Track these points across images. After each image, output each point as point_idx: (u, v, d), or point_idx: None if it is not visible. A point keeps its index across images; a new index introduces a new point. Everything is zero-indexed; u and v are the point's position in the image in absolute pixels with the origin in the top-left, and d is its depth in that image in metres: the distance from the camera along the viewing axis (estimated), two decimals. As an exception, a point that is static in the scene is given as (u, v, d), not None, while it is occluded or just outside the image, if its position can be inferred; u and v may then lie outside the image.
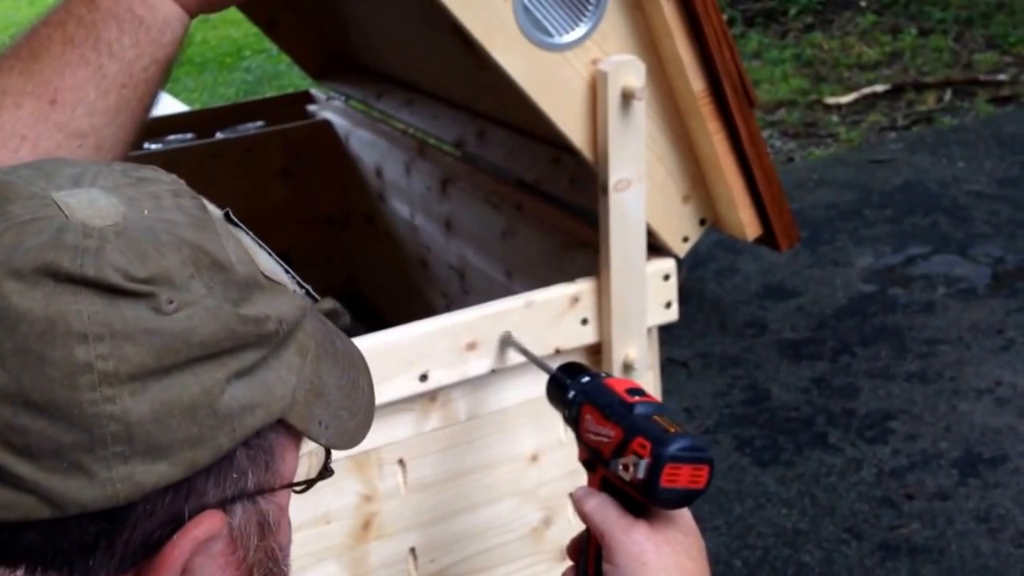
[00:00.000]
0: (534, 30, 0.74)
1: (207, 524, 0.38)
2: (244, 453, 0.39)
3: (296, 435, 0.42)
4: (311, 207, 1.65)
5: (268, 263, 0.42)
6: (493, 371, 0.81)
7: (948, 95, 3.97)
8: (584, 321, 0.84)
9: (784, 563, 1.70)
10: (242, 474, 0.39)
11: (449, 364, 0.79)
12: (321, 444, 0.43)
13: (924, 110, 3.87)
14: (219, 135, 1.66)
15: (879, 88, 4.08)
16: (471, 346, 0.80)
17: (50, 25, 0.57)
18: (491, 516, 0.84)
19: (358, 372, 0.46)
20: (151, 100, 0.60)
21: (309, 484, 0.44)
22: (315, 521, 0.77)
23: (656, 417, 0.60)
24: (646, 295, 0.85)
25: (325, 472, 0.46)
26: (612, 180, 0.79)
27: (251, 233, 0.43)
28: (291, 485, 0.42)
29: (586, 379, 0.66)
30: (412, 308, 1.41)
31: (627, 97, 0.76)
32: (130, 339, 0.35)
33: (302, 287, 0.44)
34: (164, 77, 0.60)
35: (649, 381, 0.89)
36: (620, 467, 0.58)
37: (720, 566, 1.71)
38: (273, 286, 0.41)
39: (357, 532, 0.79)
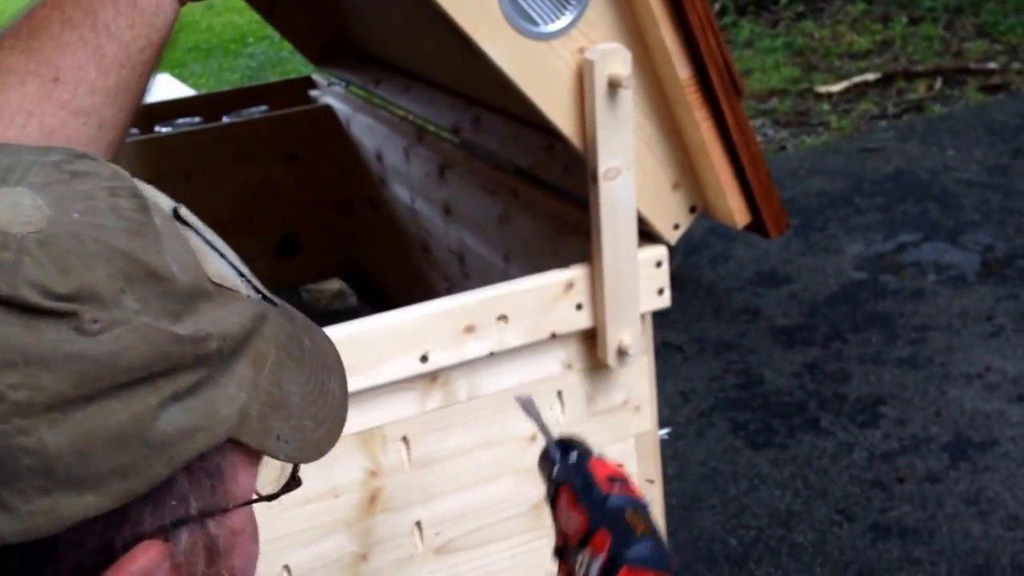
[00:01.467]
0: (519, 19, 0.75)
1: (143, 559, 0.35)
2: (185, 478, 0.36)
3: (252, 452, 0.39)
4: (316, 190, 1.68)
5: (219, 267, 0.38)
6: (491, 354, 0.83)
7: (938, 84, 3.99)
8: (579, 306, 0.86)
9: (778, 543, 1.73)
10: (182, 500, 0.36)
11: (448, 346, 0.80)
12: (280, 460, 0.39)
13: (914, 98, 3.89)
14: (225, 119, 1.68)
15: (870, 77, 4.10)
16: (470, 329, 0.81)
17: (47, 6, 0.58)
18: (493, 493, 0.87)
19: (328, 373, 0.43)
20: (146, 83, 0.61)
21: (272, 498, 0.41)
22: (324, 495, 0.79)
23: (628, 512, 0.55)
24: (639, 282, 0.86)
25: (292, 483, 0.43)
26: (602, 168, 0.80)
27: (204, 233, 0.39)
28: (250, 502, 0.39)
29: (574, 457, 0.61)
30: (415, 289, 1.43)
31: (614, 86, 0.76)
32: (46, 366, 0.32)
33: (259, 291, 0.40)
34: (158, 61, 0.61)
35: (644, 366, 0.91)
36: (577, 562, 0.53)
37: (716, 543, 1.74)
38: (222, 293, 0.37)
39: (364, 505, 0.81)
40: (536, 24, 0.76)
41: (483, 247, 1.20)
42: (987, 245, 2.66)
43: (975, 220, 2.81)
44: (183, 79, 4.21)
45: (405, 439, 0.82)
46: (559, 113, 0.79)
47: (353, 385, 0.76)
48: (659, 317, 0.91)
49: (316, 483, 0.79)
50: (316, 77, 1.76)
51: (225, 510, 0.38)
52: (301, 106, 1.69)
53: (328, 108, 1.65)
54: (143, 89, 0.61)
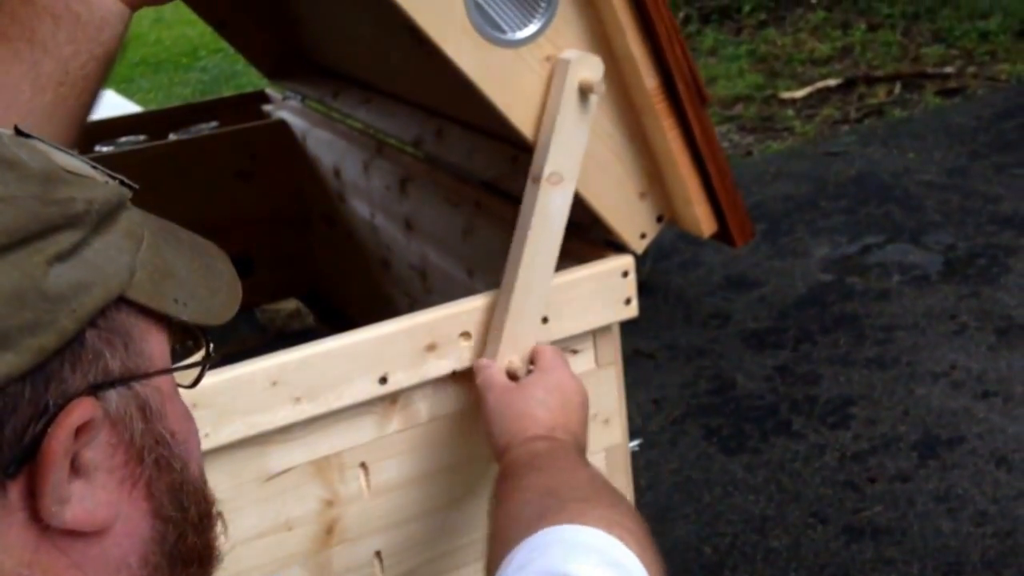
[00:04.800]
0: (486, 27, 0.74)
1: (79, 411, 0.38)
2: (94, 334, 0.39)
3: (154, 317, 0.42)
4: (270, 208, 1.64)
5: (69, 161, 0.42)
6: (453, 372, 0.81)
7: (898, 88, 4.07)
8: (545, 320, 0.84)
9: (753, 548, 1.73)
10: (98, 356, 0.39)
11: (409, 366, 0.78)
12: (184, 320, 0.44)
13: (875, 103, 3.97)
14: (172, 136, 1.63)
15: (831, 82, 4.17)
16: (431, 347, 0.79)
17: None
18: (456, 517, 0.84)
19: (212, 257, 0.48)
20: (90, 97, 0.59)
21: (197, 366, 0.46)
22: (276, 528, 0.76)
23: None
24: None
25: (208, 358, 0.47)
26: (546, 171, 0.77)
27: (46, 140, 0.43)
28: (170, 370, 0.44)
29: None
30: (376, 308, 1.40)
31: (584, 91, 0.76)
32: None
33: (115, 178, 0.44)
34: (104, 73, 0.60)
35: (612, 378, 0.89)
36: None
37: (690, 552, 1.73)
38: (78, 179, 0.41)
39: (320, 537, 0.78)
40: (503, 32, 0.75)
41: (446, 262, 1.18)
42: (948, 245, 2.71)
43: (936, 221, 2.86)
44: (130, 95, 4.11)
45: (364, 465, 0.79)
46: (525, 121, 0.78)
47: (308, 411, 0.75)
48: (630, 325, 0.90)
49: (268, 516, 0.75)
50: (270, 91, 1.73)
51: (149, 373, 0.42)
52: (253, 121, 1.65)
53: (282, 123, 1.62)
54: (86, 104, 0.59)
